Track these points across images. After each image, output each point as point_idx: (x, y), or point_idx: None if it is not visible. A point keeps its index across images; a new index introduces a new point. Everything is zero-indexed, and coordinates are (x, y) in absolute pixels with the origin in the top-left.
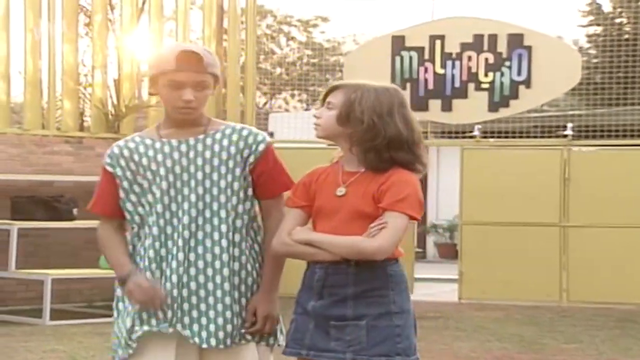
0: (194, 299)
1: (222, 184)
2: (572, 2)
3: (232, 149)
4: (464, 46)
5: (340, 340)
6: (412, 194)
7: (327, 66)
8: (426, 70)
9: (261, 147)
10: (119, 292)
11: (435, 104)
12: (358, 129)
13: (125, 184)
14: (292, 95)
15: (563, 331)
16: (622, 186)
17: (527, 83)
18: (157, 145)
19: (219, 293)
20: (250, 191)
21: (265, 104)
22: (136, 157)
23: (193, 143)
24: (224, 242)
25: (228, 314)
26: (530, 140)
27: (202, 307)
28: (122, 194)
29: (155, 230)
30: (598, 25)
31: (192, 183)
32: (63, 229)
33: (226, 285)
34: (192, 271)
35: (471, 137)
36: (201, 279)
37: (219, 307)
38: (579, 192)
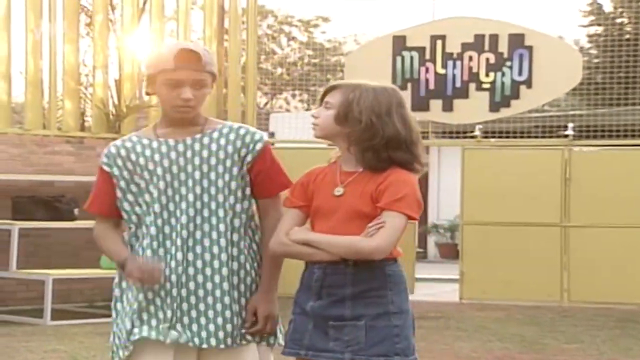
0: (192, 299)
1: (220, 183)
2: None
3: (230, 148)
4: (465, 46)
5: (339, 341)
6: (410, 193)
7: (328, 66)
8: (427, 70)
9: (259, 146)
10: (117, 292)
11: (436, 104)
12: (356, 129)
13: (123, 183)
14: (293, 96)
15: (564, 331)
16: (623, 186)
17: (528, 83)
18: (154, 144)
19: (218, 292)
20: (248, 190)
21: (266, 104)
22: (133, 157)
23: (190, 142)
24: (223, 242)
25: (227, 313)
26: (531, 140)
27: (201, 306)
28: (119, 194)
29: (153, 230)
30: (599, 25)
31: (190, 182)
32: (64, 229)
33: (225, 285)
34: (191, 271)
35: (472, 137)
36: (200, 278)
37: (218, 306)
38: (580, 192)
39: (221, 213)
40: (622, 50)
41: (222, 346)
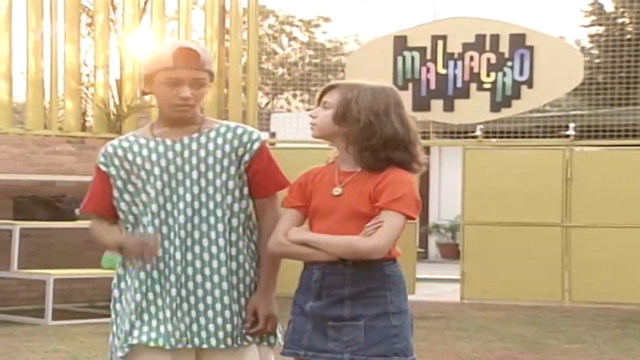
0: (192, 299)
1: (218, 182)
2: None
3: (227, 148)
4: (466, 46)
5: (338, 341)
6: (408, 193)
7: (329, 66)
8: (428, 70)
9: (256, 145)
10: (116, 293)
11: (437, 104)
12: (354, 128)
13: (119, 183)
14: (294, 96)
15: (565, 331)
16: (625, 186)
17: (529, 83)
18: (152, 144)
19: (217, 292)
20: (245, 190)
21: (267, 104)
22: (130, 157)
23: (187, 142)
24: (221, 241)
25: (227, 313)
26: (532, 140)
27: (201, 306)
28: (116, 193)
29: (150, 230)
30: (600, 25)
31: (187, 182)
32: (65, 229)
33: (224, 285)
34: (190, 270)
35: (473, 137)
36: (199, 278)
37: (218, 306)
38: (581, 192)
39: (219, 213)
40: (624, 50)
41: (222, 346)
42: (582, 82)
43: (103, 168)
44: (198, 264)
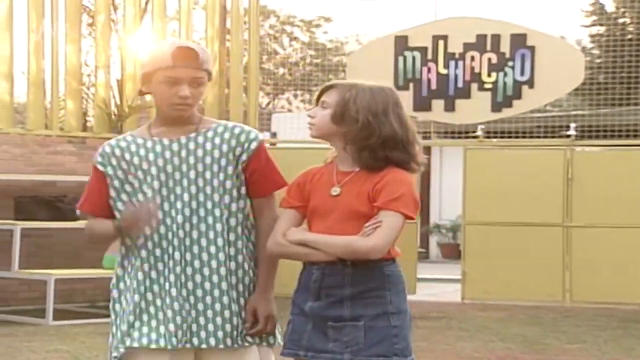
0: (191, 299)
1: (215, 182)
2: (575, 2)
3: (225, 147)
4: (467, 46)
5: (338, 341)
6: (407, 193)
7: (330, 66)
8: (429, 70)
9: (253, 145)
10: (115, 293)
11: (438, 104)
12: (353, 128)
13: (117, 183)
14: (295, 96)
15: (566, 331)
16: (626, 186)
17: (530, 83)
18: (149, 144)
19: (216, 292)
20: (243, 190)
21: (268, 104)
22: (127, 156)
23: (185, 142)
24: (220, 241)
25: (227, 313)
26: (533, 141)
27: (200, 306)
28: (113, 193)
29: (147, 230)
30: (601, 25)
31: (185, 182)
32: (66, 229)
33: (224, 285)
34: (189, 270)
35: (474, 137)
36: (198, 278)
37: (217, 306)
38: (582, 192)
39: (217, 212)
40: (625, 50)
41: (221, 346)
42: (583, 82)
43: (100, 168)
44: (197, 263)
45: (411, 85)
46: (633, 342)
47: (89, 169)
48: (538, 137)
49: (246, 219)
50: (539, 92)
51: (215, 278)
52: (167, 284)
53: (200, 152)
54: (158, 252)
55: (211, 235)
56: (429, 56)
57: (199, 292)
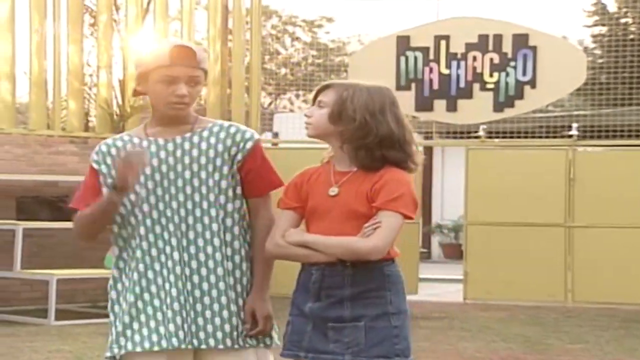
0: (190, 299)
1: (210, 182)
2: (577, 2)
3: (220, 147)
4: (469, 46)
5: (339, 342)
6: (406, 192)
7: (332, 66)
8: (431, 70)
9: (249, 144)
10: (113, 294)
11: (440, 104)
12: (350, 127)
13: (110, 181)
14: (297, 96)
15: (568, 331)
16: (628, 186)
17: (532, 83)
18: (144, 144)
19: (214, 293)
20: (238, 190)
21: (270, 104)
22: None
23: (180, 141)
24: (217, 241)
25: (225, 313)
26: (535, 141)
27: (198, 307)
28: (105, 192)
29: (142, 230)
30: (603, 25)
31: (180, 182)
32: (68, 229)
33: (221, 285)
34: (187, 271)
35: (476, 137)
36: (196, 279)
37: (216, 307)
38: (584, 193)
39: (213, 212)
40: (627, 51)
41: (220, 346)
42: (585, 82)
43: (95, 166)
44: (194, 264)
45: (413, 85)
46: (635, 342)
47: None
48: (540, 137)
49: (243, 220)
50: (541, 92)
51: (212, 278)
52: (167, 285)
53: (195, 152)
54: (154, 252)
55: (208, 235)
56: (431, 56)
57: (197, 293)
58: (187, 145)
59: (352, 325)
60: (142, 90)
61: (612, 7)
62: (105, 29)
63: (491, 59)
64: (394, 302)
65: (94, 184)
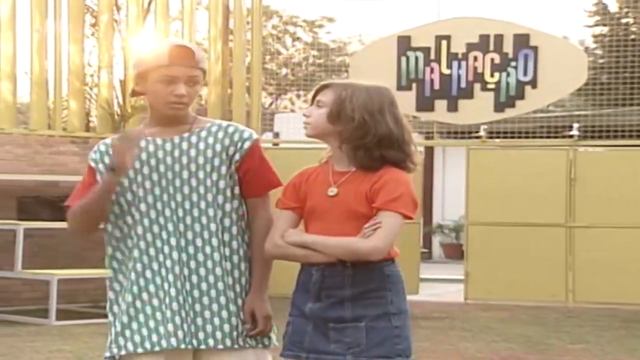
0: (189, 300)
1: (208, 182)
2: (578, 3)
3: (218, 147)
4: (470, 46)
5: (340, 343)
6: (405, 192)
7: (333, 66)
8: (432, 70)
9: (247, 144)
10: (111, 294)
11: (441, 104)
12: (348, 127)
13: (107, 164)
14: (298, 96)
15: (569, 331)
16: (629, 186)
17: (533, 83)
18: (142, 143)
19: (213, 293)
20: (237, 190)
21: (271, 104)
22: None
23: (178, 141)
24: (215, 241)
25: (224, 313)
26: (536, 141)
27: (197, 307)
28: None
29: (139, 229)
30: (604, 25)
31: (178, 182)
32: None
33: (220, 285)
34: (186, 271)
35: (477, 137)
36: (194, 279)
37: (214, 307)
38: (585, 193)
39: (211, 212)
40: (628, 51)
41: (220, 346)
42: (586, 82)
43: (92, 164)
44: (193, 264)
45: (414, 85)
46: (636, 342)
47: None
48: (541, 137)
49: (241, 220)
50: (542, 92)
51: (211, 278)
52: (165, 284)
53: (193, 152)
54: (152, 251)
55: (206, 235)
56: (432, 56)
57: (196, 293)
58: (185, 145)
59: (353, 325)
60: (140, 90)
61: (613, 7)
62: (106, 29)
63: (492, 59)
64: (394, 302)
65: (92, 183)
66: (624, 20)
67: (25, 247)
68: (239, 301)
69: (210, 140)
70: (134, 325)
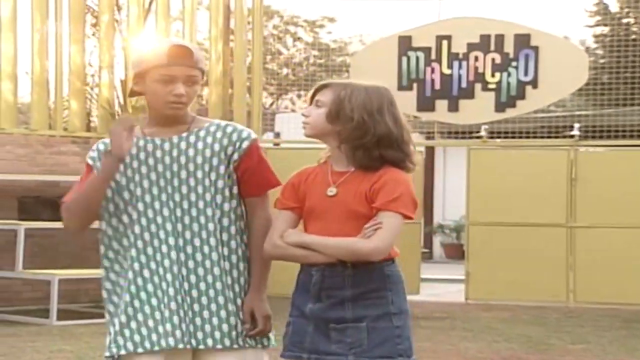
0: (187, 299)
1: (207, 182)
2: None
3: (216, 146)
4: (471, 46)
5: (342, 343)
6: (405, 192)
7: (334, 67)
8: (433, 70)
9: (245, 144)
10: (104, 294)
11: (442, 105)
12: (347, 127)
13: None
14: (299, 96)
15: (570, 332)
16: (629, 186)
17: (534, 83)
18: (141, 143)
19: (211, 292)
20: (235, 189)
21: (272, 104)
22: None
23: (176, 141)
24: (213, 241)
25: (223, 313)
26: (537, 141)
27: (196, 307)
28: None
29: (137, 228)
30: (605, 25)
31: (176, 182)
32: None
33: (218, 285)
34: (184, 271)
35: (478, 137)
36: (193, 279)
37: (213, 306)
38: (586, 193)
39: (209, 212)
40: (629, 51)
41: (219, 346)
42: (586, 82)
43: (90, 162)
44: (191, 264)
45: (415, 85)
46: (637, 342)
47: None
48: (542, 137)
49: (240, 220)
50: (543, 93)
51: (210, 278)
52: (163, 284)
53: (191, 152)
54: (150, 250)
55: (204, 235)
56: (433, 56)
57: (195, 293)
58: (183, 145)
59: (354, 326)
60: (139, 90)
61: (614, 7)
62: (107, 29)
63: (493, 59)
64: (395, 302)
65: None
66: (624, 20)
67: (26, 247)
68: (238, 301)
69: (209, 139)
70: (133, 325)
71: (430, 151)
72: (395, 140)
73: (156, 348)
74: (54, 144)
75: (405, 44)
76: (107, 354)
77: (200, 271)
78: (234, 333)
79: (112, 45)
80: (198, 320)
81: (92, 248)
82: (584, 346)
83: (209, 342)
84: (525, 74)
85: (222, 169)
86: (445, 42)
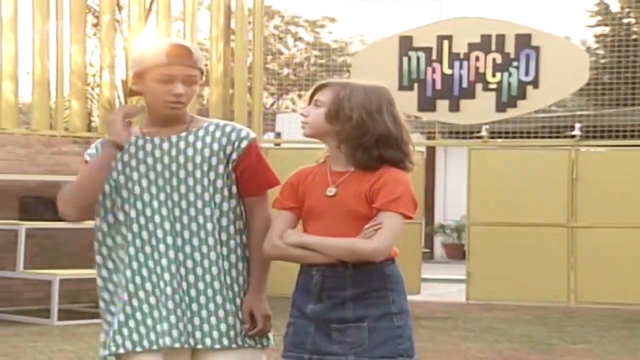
0: (186, 299)
1: (205, 181)
2: (580, 3)
3: (215, 146)
4: (472, 46)
5: (343, 343)
6: (405, 193)
7: (335, 67)
8: (434, 70)
9: (244, 143)
10: (105, 295)
11: (442, 105)
12: (347, 126)
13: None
14: (300, 96)
15: (571, 332)
16: (630, 186)
17: (535, 83)
18: (140, 142)
19: (210, 292)
20: (234, 189)
21: (273, 104)
22: (118, 154)
23: (175, 141)
24: (211, 240)
25: (221, 313)
26: (538, 141)
27: (194, 306)
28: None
29: (135, 227)
30: (606, 25)
31: (174, 181)
32: (71, 229)
33: (216, 284)
34: (182, 270)
35: (479, 137)
36: (191, 278)
37: (211, 306)
38: (587, 193)
39: (208, 212)
40: (629, 51)
41: (217, 346)
42: (587, 82)
43: (88, 159)
44: (190, 263)
45: (416, 85)
46: (638, 342)
47: None
48: (543, 137)
49: (238, 220)
50: (544, 93)
51: (208, 278)
52: (161, 283)
53: (190, 151)
54: (148, 249)
55: (202, 234)
56: (434, 56)
57: (193, 292)
58: (182, 145)
59: (355, 325)
60: (138, 90)
61: (615, 7)
62: (108, 29)
63: (494, 59)
64: (396, 302)
65: None
66: (625, 20)
67: (27, 247)
68: (237, 300)
69: (208, 139)
70: (131, 323)
71: (431, 151)
72: (395, 140)
73: (155, 347)
74: (55, 144)
75: (406, 44)
76: (106, 352)
77: (199, 270)
78: (232, 332)
79: (113, 46)
80: (196, 320)
81: (93, 248)
82: (585, 346)
83: (207, 341)
84: (526, 74)
85: (221, 168)
86: (446, 42)
